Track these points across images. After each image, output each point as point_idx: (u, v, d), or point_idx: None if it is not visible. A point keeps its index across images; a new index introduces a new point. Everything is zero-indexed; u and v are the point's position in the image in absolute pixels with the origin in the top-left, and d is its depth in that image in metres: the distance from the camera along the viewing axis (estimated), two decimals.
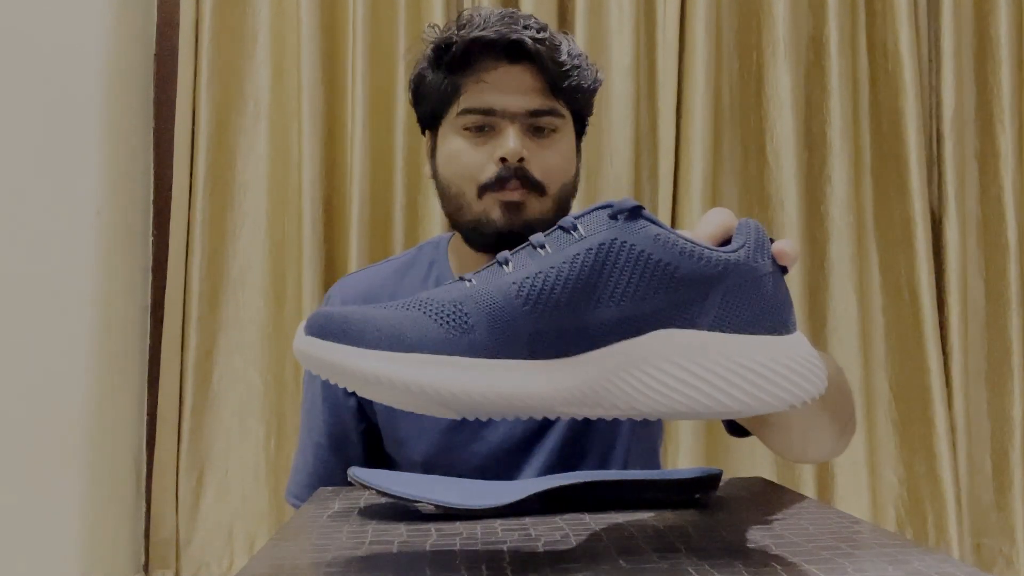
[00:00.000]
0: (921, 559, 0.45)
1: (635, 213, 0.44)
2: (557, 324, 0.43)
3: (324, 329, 0.42)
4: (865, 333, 1.57)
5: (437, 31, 0.86)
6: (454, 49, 0.83)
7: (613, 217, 0.44)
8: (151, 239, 1.52)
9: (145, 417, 1.48)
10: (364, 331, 0.42)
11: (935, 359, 1.53)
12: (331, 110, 1.52)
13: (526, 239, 0.83)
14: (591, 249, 0.43)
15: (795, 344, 0.45)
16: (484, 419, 0.44)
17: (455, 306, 0.43)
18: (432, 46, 0.85)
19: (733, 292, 0.44)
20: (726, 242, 0.47)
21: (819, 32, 1.59)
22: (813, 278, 1.57)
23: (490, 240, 0.83)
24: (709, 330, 0.44)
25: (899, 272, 1.59)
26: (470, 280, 0.45)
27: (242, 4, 1.53)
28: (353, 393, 0.91)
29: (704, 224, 0.48)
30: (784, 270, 0.47)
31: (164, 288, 1.46)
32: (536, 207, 0.82)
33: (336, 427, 0.92)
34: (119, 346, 1.44)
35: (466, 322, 0.42)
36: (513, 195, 0.81)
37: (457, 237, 0.91)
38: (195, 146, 1.48)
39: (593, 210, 0.45)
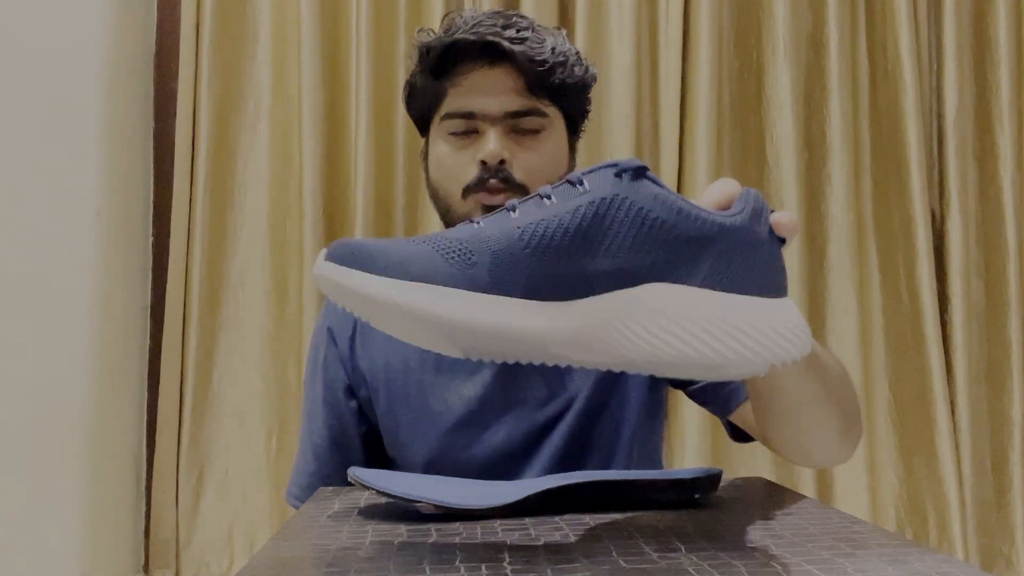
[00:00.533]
0: (921, 559, 0.45)
1: (639, 172, 0.46)
2: (555, 269, 0.45)
3: (340, 254, 0.45)
4: (865, 333, 1.56)
5: (428, 34, 0.86)
6: (431, 54, 0.83)
7: (618, 175, 0.46)
8: (151, 239, 1.52)
9: (145, 417, 1.48)
10: (376, 258, 0.45)
11: (937, 359, 1.53)
12: (332, 110, 1.52)
13: None
14: (593, 202, 0.45)
15: (782, 307, 0.48)
16: (486, 359, 0.46)
17: (461, 244, 0.45)
18: (417, 51, 0.86)
19: (727, 254, 0.46)
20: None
21: (819, 32, 1.59)
22: (813, 278, 1.57)
23: None
24: (700, 287, 0.46)
25: (899, 272, 1.59)
26: (479, 222, 0.47)
27: (242, 4, 1.53)
28: (354, 395, 0.91)
29: (709, 192, 0.50)
30: (782, 241, 0.49)
31: (164, 288, 1.46)
32: None
33: (337, 429, 0.92)
34: (119, 346, 1.44)
35: (470, 259, 0.45)
36: (495, 199, 0.81)
37: None
38: (195, 146, 1.48)
39: (600, 167, 0.47)
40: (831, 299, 1.57)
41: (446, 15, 0.87)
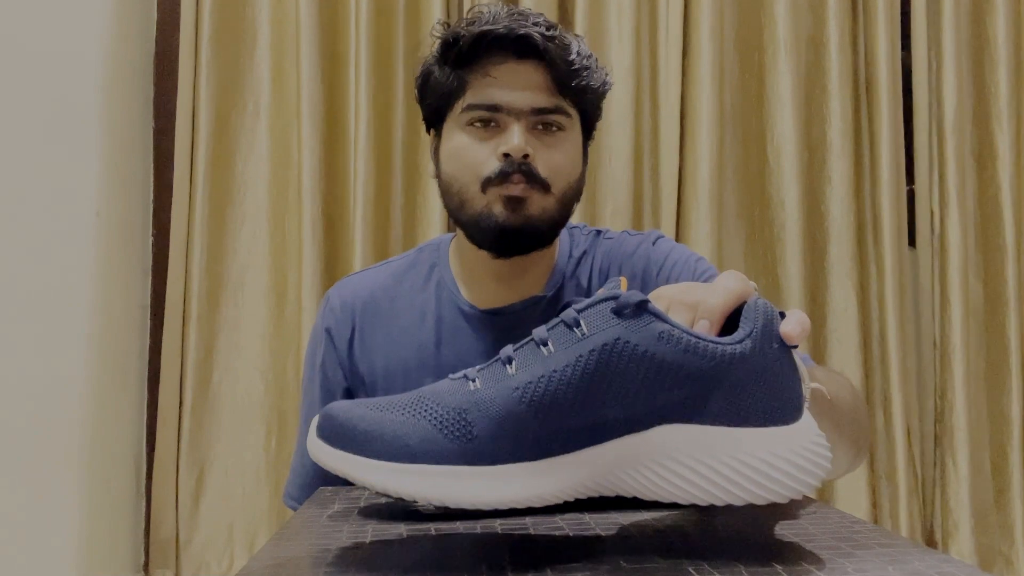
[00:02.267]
0: (921, 559, 0.44)
1: (640, 308, 0.43)
2: (561, 425, 0.43)
3: (333, 435, 0.43)
4: (865, 333, 1.56)
5: (446, 27, 0.85)
6: (461, 44, 0.82)
7: (617, 312, 0.43)
8: (151, 239, 1.52)
9: (145, 417, 1.48)
10: (371, 440, 0.43)
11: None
12: (331, 110, 1.52)
13: (528, 235, 0.83)
14: (594, 350, 0.43)
15: (799, 433, 0.45)
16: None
17: (459, 413, 0.43)
18: (440, 41, 0.85)
19: (738, 385, 0.44)
20: (738, 310, 0.47)
21: (819, 33, 1.59)
22: (813, 278, 1.57)
23: (492, 236, 0.83)
24: (713, 424, 0.44)
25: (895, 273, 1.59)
26: (474, 381, 0.45)
27: (242, 4, 1.53)
28: (352, 397, 0.91)
29: (715, 291, 0.47)
30: (794, 346, 0.47)
31: (164, 288, 1.46)
32: (539, 203, 0.82)
33: None
34: (119, 346, 1.44)
35: (471, 431, 0.43)
36: (516, 190, 0.80)
37: (458, 239, 0.91)
38: (195, 146, 1.48)
39: (597, 302, 0.44)
40: (831, 299, 1.57)
41: (469, 9, 0.86)
